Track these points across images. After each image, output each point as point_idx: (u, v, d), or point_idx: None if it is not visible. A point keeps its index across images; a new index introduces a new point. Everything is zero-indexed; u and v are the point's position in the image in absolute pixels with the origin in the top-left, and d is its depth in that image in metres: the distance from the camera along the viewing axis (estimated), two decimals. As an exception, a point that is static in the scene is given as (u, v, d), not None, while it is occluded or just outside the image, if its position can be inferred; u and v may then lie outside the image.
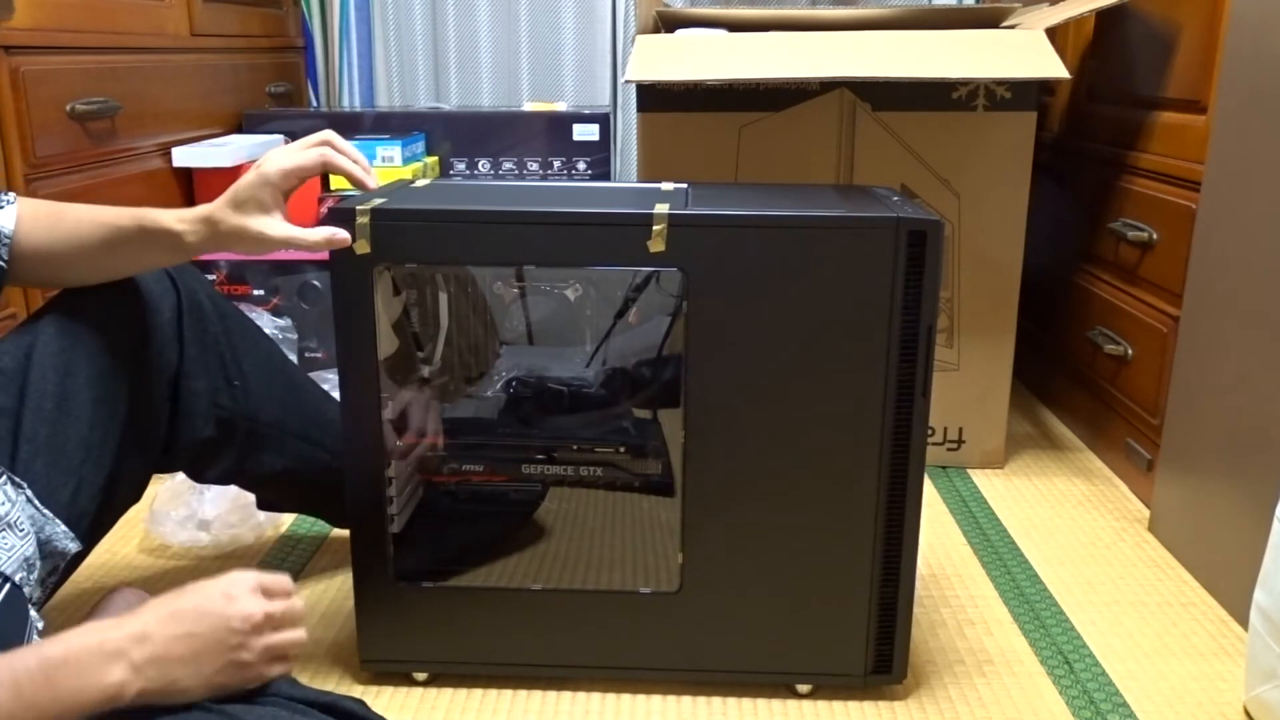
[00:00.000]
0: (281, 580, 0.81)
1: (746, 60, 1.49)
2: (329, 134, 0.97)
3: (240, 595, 0.77)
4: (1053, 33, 1.50)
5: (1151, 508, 1.45)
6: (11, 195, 0.97)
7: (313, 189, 1.94)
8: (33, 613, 0.84)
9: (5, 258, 0.94)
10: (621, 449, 1.10)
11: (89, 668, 0.70)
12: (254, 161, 0.99)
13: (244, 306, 1.83)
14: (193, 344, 1.08)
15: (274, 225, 0.93)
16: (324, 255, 1.80)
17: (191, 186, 1.91)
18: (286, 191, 0.95)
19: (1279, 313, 1.14)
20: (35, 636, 0.78)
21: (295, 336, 1.87)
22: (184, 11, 1.92)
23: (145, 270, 1.03)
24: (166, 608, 0.75)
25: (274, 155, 0.94)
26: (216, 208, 0.94)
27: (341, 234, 0.93)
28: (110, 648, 0.71)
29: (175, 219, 0.94)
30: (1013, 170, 1.54)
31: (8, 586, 0.81)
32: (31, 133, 1.45)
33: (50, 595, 1.14)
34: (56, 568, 0.95)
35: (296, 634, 0.80)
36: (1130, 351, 1.56)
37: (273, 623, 0.78)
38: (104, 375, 1.00)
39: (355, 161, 0.97)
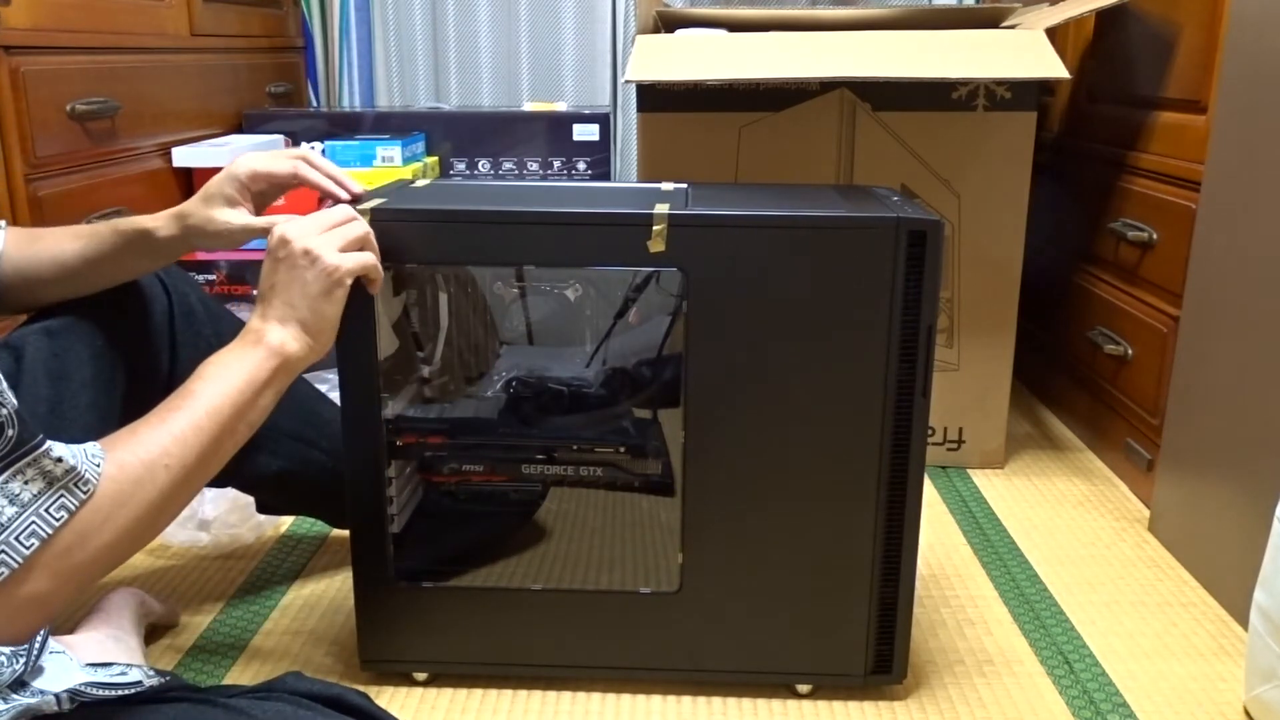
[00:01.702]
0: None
1: (746, 60, 1.49)
2: (305, 151, 1.01)
3: (279, 230, 0.86)
4: (1053, 33, 1.50)
5: (1151, 508, 1.45)
6: (1, 222, 0.98)
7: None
8: None
9: None
10: (621, 449, 1.10)
11: (243, 352, 0.80)
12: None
13: (243, 307, 1.83)
14: (185, 347, 1.08)
15: (240, 216, 0.96)
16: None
17: (191, 186, 1.91)
18: (256, 192, 0.97)
19: (1279, 313, 1.14)
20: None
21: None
22: (184, 11, 1.92)
23: (126, 279, 1.03)
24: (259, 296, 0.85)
25: (247, 156, 0.98)
26: (187, 203, 0.97)
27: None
28: (250, 333, 0.82)
29: (148, 218, 0.96)
30: (1013, 170, 1.54)
31: None
32: (31, 133, 1.45)
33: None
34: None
35: (354, 227, 0.88)
36: (1130, 351, 1.56)
37: (317, 227, 0.86)
38: (97, 379, 1.00)
39: (330, 177, 0.99)
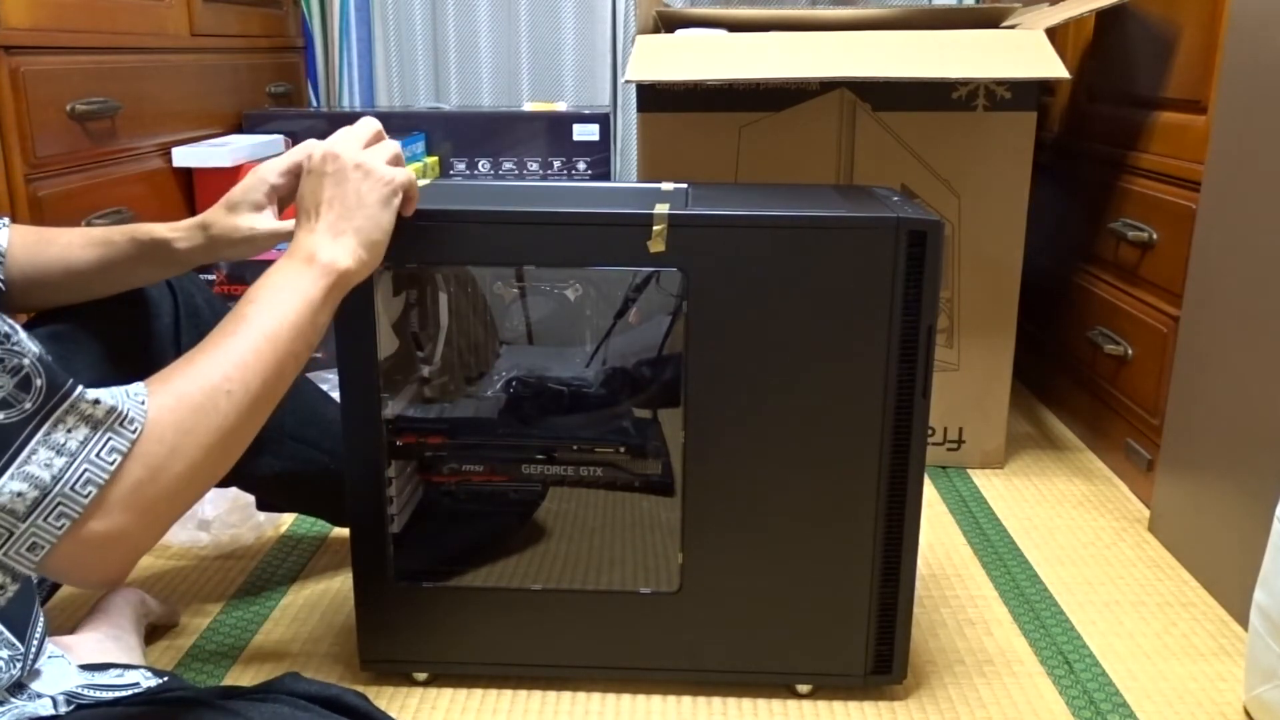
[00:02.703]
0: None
1: (746, 60, 1.49)
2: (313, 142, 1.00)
3: (320, 146, 0.85)
4: (1053, 33, 1.50)
5: (1151, 508, 1.45)
6: (5, 219, 0.97)
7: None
8: (37, 606, 0.84)
9: (1, 277, 0.95)
10: (621, 449, 1.10)
11: (294, 270, 0.78)
12: (254, 162, 1.00)
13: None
14: (191, 348, 1.08)
15: (266, 220, 0.94)
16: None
17: (191, 186, 1.91)
18: (283, 195, 0.96)
19: (1279, 313, 1.14)
20: (40, 629, 0.78)
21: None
22: (184, 11, 1.92)
23: (138, 286, 1.02)
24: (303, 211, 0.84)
25: (268, 162, 0.96)
26: (209, 212, 0.95)
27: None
28: (300, 249, 0.80)
29: (167, 228, 0.95)
30: (1013, 170, 1.54)
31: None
32: (31, 133, 1.45)
33: (50, 595, 1.14)
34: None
35: (390, 142, 0.87)
36: (1130, 351, 1.56)
37: (359, 140, 0.85)
38: (103, 380, 1.00)
39: None
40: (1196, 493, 1.31)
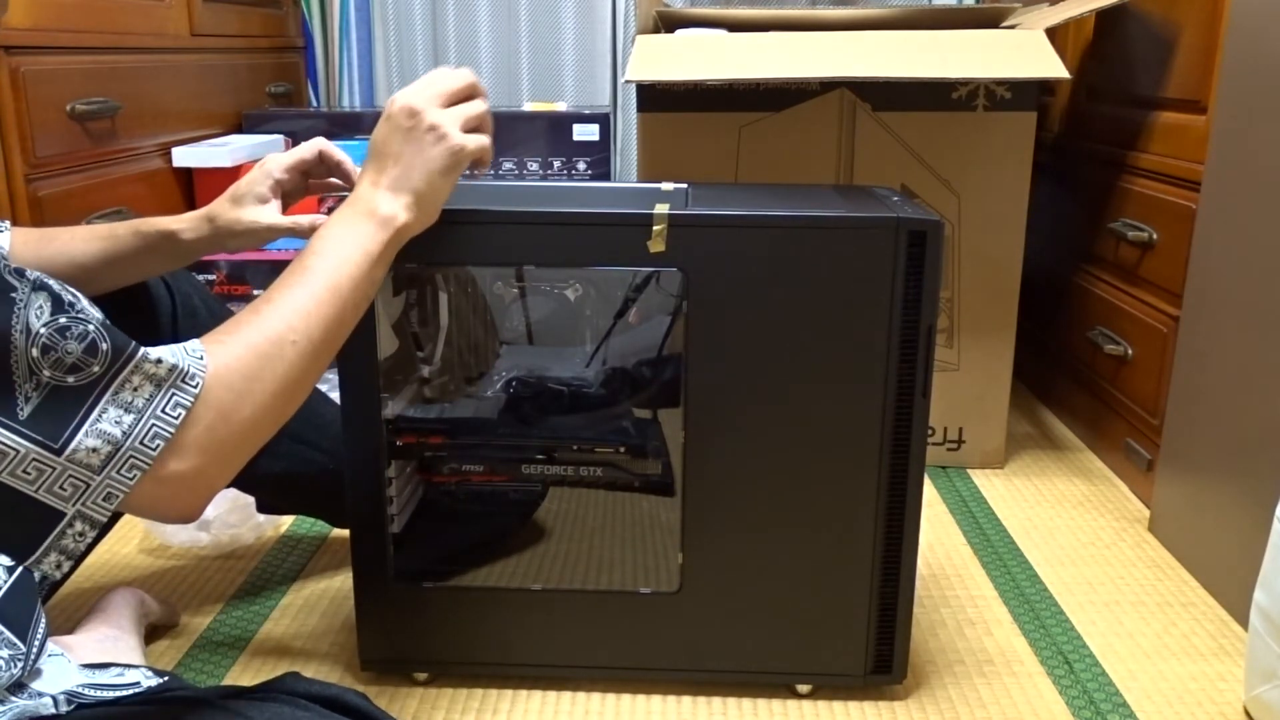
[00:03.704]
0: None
1: (746, 60, 1.49)
2: (320, 141, 1.02)
3: (402, 95, 0.84)
4: (1053, 33, 1.50)
5: (1151, 508, 1.45)
6: (5, 223, 0.98)
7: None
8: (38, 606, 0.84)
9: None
10: (621, 449, 1.10)
11: (353, 222, 0.79)
12: (254, 161, 1.00)
13: (244, 307, 1.83)
14: None
15: (269, 214, 0.96)
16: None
17: (191, 186, 1.91)
18: (287, 190, 0.96)
19: (1279, 313, 1.14)
20: (41, 628, 0.78)
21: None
22: (184, 11, 1.92)
23: (142, 279, 1.03)
24: (370, 158, 0.84)
25: (274, 156, 0.97)
26: (215, 204, 0.96)
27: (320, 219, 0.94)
28: (358, 200, 0.80)
29: (172, 220, 0.96)
30: (1013, 170, 1.54)
31: (19, 570, 0.80)
32: (31, 133, 1.45)
33: (50, 594, 1.14)
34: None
35: (478, 104, 0.85)
36: (1130, 351, 1.56)
37: (441, 97, 0.83)
38: None
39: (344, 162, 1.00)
40: (1196, 493, 1.31)
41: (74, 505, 0.60)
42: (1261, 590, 1.00)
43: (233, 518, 1.36)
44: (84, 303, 0.60)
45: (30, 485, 0.58)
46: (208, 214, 0.95)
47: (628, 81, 1.47)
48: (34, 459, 0.57)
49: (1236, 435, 1.21)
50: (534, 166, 2.18)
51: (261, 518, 1.38)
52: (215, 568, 1.33)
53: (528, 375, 1.17)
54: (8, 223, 0.98)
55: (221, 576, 1.31)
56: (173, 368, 0.62)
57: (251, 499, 1.27)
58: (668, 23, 1.79)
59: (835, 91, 1.53)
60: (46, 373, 0.57)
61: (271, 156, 0.97)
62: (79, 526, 0.60)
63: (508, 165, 2.18)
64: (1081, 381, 1.77)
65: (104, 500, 0.60)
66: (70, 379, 0.58)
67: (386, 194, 0.81)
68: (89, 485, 0.59)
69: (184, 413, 0.62)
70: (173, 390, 0.61)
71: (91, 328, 0.59)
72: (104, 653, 1.03)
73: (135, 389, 0.60)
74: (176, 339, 1.07)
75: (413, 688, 1.08)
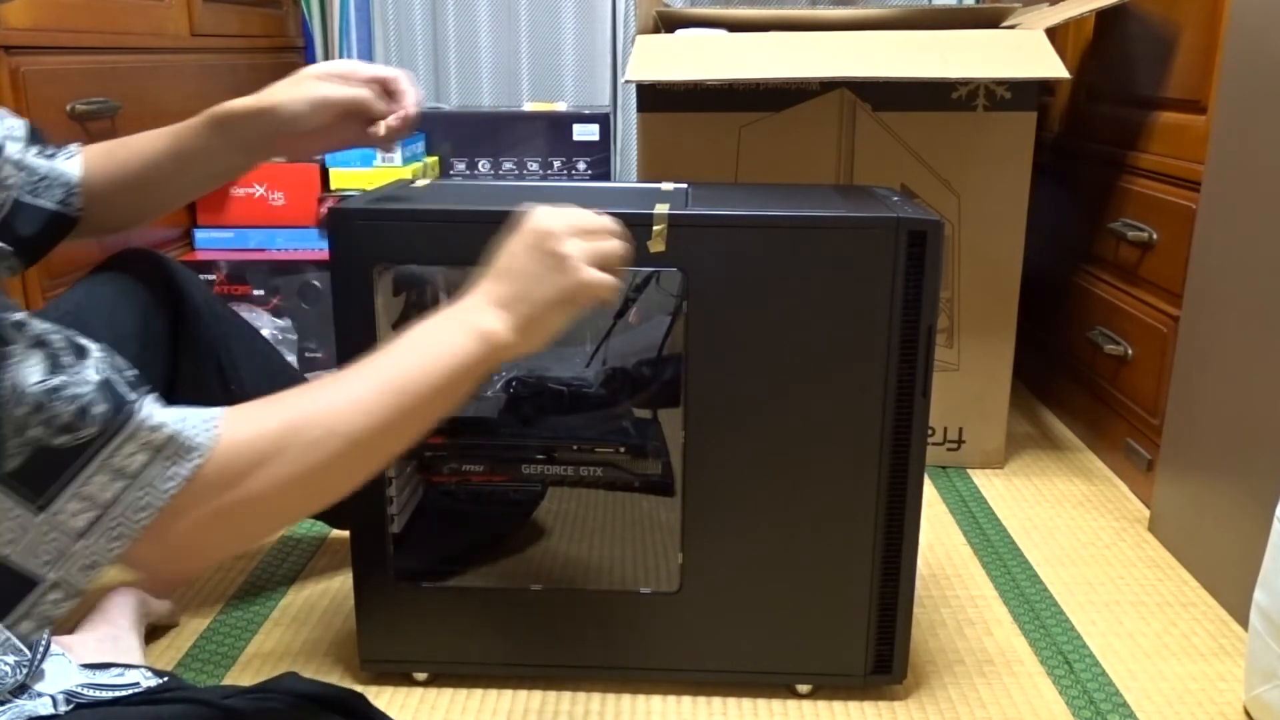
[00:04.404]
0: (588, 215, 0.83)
1: (746, 60, 1.49)
2: (384, 71, 1.00)
3: (540, 215, 0.80)
4: (1053, 33, 1.50)
5: (1151, 508, 1.45)
6: (75, 146, 0.98)
7: (312, 187, 1.94)
8: None
9: (78, 205, 0.96)
10: (621, 449, 1.10)
11: (450, 328, 0.74)
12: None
13: (244, 307, 1.84)
14: (188, 349, 1.08)
15: (331, 89, 0.96)
16: (325, 254, 1.80)
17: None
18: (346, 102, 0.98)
19: (1279, 313, 1.14)
20: (46, 633, 0.78)
21: (295, 337, 1.87)
22: (184, 11, 1.92)
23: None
24: (490, 268, 0.80)
25: (322, 78, 0.97)
26: (277, 88, 0.97)
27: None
28: (462, 308, 0.76)
29: (253, 98, 0.96)
30: (1013, 170, 1.54)
31: None
32: (31, 133, 1.44)
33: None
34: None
35: (613, 244, 0.81)
36: (1130, 351, 1.56)
37: (577, 230, 0.80)
38: None
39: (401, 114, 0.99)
40: (1196, 493, 1.31)
41: (53, 572, 0.57)
42: (1261, 590, 1.00)
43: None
44: (88, 362, 0.58)
45: (7, 546, 0.56)
46: (265, 91, 0.95)
47: (628, 81, 1.47)
48: (15, 517, 0.55)
49: (1236, 435, 1.21)
50: (534, 166, 2.18)
51: (261, 518, 1.38)
52: (215, 568, 1.33)
53: (528, 375, 1.17)
54: (76, 146, 0.98)
55: (221, 576, 1.31)
56: (171, 436, 0.59)
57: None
58: (668, 23, 1.79)
59: (835, 91, 1.53)
60: (35, 431, 0.54)
61: (320, 76, 0.97)
62: (56, 595, 0.57)
63: (508, 165, 2.18)
64: (1081, 381, 1.77)
65: (85, 569, 0.58)
66: (59, 440, 0.55)
67: (495, 310, 0.76)
68: (68, 553, 0.57)
69: (180, 483, 0.58)
70: (169, 461, 0.58)
71: (87, 390, 0.57)
72: (104, 652, 1.03)
73: (130, 455, 0.57)
74: (176, 342, 1.08)
75: (413, 688, 1.08)
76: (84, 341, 0.60)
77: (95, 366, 0.59)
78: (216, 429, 0.61)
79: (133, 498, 0.58)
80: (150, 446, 0.58)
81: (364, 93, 0.97)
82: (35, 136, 0.96)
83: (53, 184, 0.95)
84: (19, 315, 0.57)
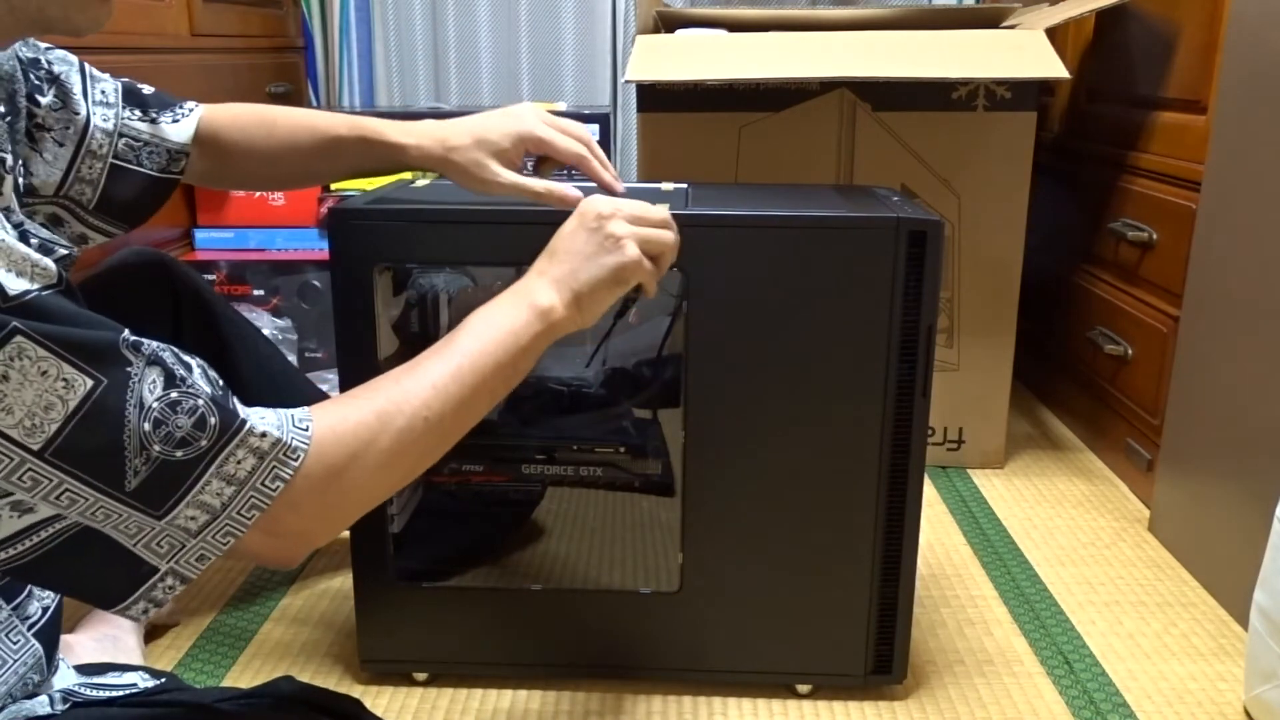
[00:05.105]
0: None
1: (746, 60, 1.49)
2: (588, 134, 0.98)
3: (594, 199, 0.84)
4: (1053, 33, 1.50)
5: (1151, 508, 1.45)
6: (191, 104, 0.99)
7: (312, 188, 1.94)
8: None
9: (176, 171, 0.97)
10: (621, 449, 1.10)
11: (509, 307, 0.78)
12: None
13: (244, 307, 1.83)
14: (192, 350, 1.08)
15: (505, 173, 0.94)
16: (325, 254, 1.80)
17: (191, 187, 1.91)
18: (514, 158, 0.96)
19: (1279, 313, 1.13)
20: (58, 648, 0.78)
21: (295, 337, 1.87)
22: (184, 11, 1.92)
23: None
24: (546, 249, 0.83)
25: (534, 118, 0.96)
26: (452, 131, 0.95)
27: (573, 193, 0.92)
28: (520, 287, 0.80)
29: (401, 133, 0.96)
30: (1013, 170, 1.54)
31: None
32: (31, 133, 1.44)
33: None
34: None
35: (663, 233, 0.84)
36: (1130, 351, 1.56)
37: (628, 215, 0.83)
38: None
39: (605, 168, 0.98)
40: (1196, 493, 1.31)
41: (167, 563, 0.61)
42: (1261, 590, 1.00)
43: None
44: (195, 375, 0.61)
45: (130, 539, 0.59)
46: (444, 142, 0.94)
47: (628, 81, 1.47)
48: (135, 520, 0.59)
49: (1236, 435, 1.21)
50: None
51: (261, 518, 1.38)
52: (215, 568, 1.33)
53: (528, 375, 1.17)
54: (192, 104, 0.99)
55: (221, 576, 1.31)
56: (276, 442, 0.62)
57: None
58: (668, 23, 1.79)
59: (835, 91, 1.53)
60: (156, 448, 0.58)
61: (532, 117, 0.96)
62: (170, 581, 0.62)
63: (508, 165, 2.18)
64: (1081, 381, 1.77)
65: (197, 560, 0.62)
66: (178, 453, 0.59)
67: (549, 287, 0.81)
68: (184, 546, 0.61)
69: (282, 485, 0.63)
70: (274, 464, 0.62)
71: (201, 402, 0.60)
72: (103, 651, 1.04)
73: (239, 462, 0.61)
74: (178, 342, 1.08)
75: (413, 688, 1.08)
76: (186, 356, 0.63)
77: (202, 378, 0.62)
78: (309, 429, 0.65)
79: (243, 500, 0.62)
80: (257, 453, 0.62)
81: (541, 188, 0.94)
82: (133, 96, 0.95)
83: (156, 150, 0.95)
84: (131, 335, 0.59)
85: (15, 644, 0.71)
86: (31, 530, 0.58)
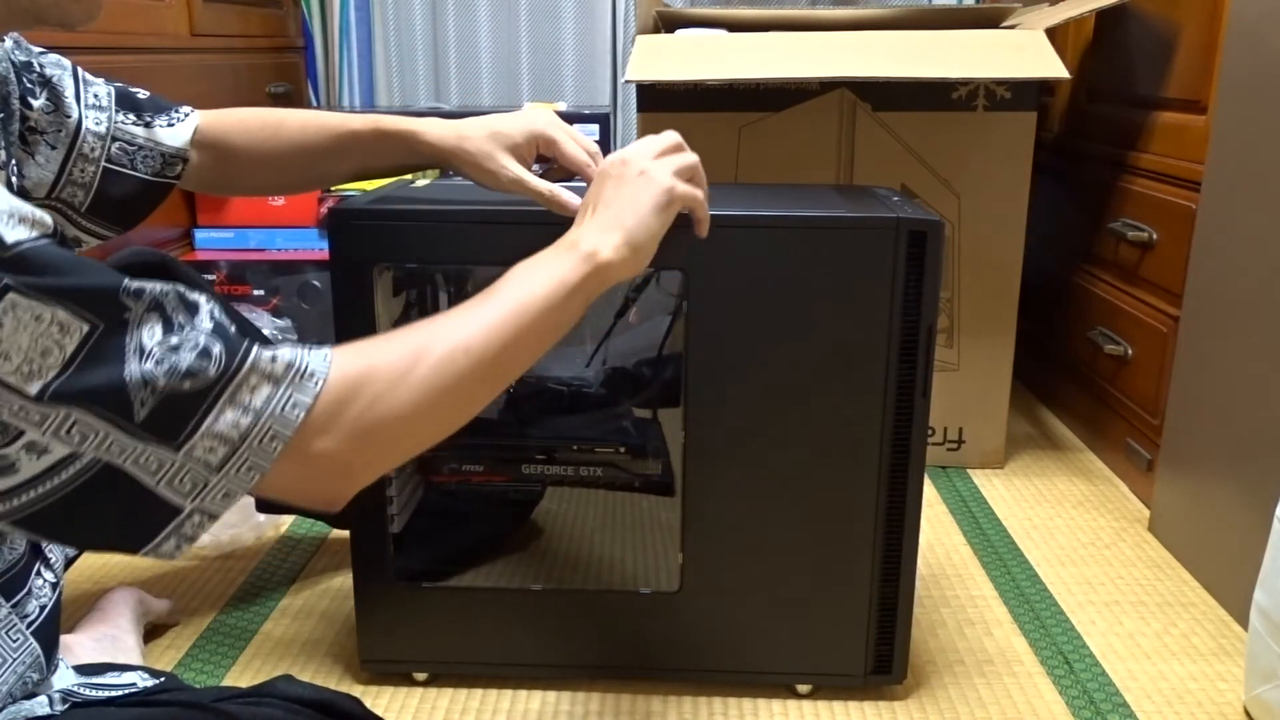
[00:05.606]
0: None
1: (746, 60, 1.49)
2: (597, 151, 0.98)
3: (612, 155, 0.85)
4: (1053, 33, 1.50)
5: (1151, 508, 1.45)
6: (186, 110, 0.98)
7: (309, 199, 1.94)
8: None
9: (175, 173, 0.97)
10: (621, 449, 1.10)
11: (551, 254, 0.78)
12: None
13: (244, 307, 1.83)
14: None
15: (513, 166, 0.94)
16: (325, 254, 1.80)
17: (191, 186, 1.91)
18: (526, 156, 0.96)
19: (1279, 313, 1.14)
20: (57, 647, 0.78)
21: (295, 337, 1.87)
22: (184, 11, 1.92)
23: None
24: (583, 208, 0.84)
25: (549, 118, 0.96)
26: (469, 125, 0.95)
27: (575, 200, 0.91)
28: (564, 240, 0.79)
29: (414, 122, 0.95)
30: (1013, 170, 1.54)
31: (59, 589, 0.81)
32: (31, 133, 1.44)
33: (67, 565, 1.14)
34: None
35: (688, 155, 0.87)
36: (1130, 351, 1.56)
37: (651, 152, 0.84)
38: None
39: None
40: (1196, 493, 1.31)
41: (191, 502, 0.60)
42: (1261, 590, 1.00)
43: (233, 517, 1.36)
44: (200, 313, 0.60)
45: (151, 476, 0.58)
46: (459, 132, 0.94)
47: (628, 81, 1.47)
48: (153, 454, 0.58)
49: (1236, 435, 1.21)
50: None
51: (261, 517, 1.38)
52: (215, 568, 1.33)
53: (527, 375, 1.17)
54: (188, 110, 0.98)
55: (221, 576, 1.31)
56: (289, 364, 0.61)
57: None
58: (668, 23, 1.79)
59: (835, 91, 1.53)
60: (161, 380, 0.57)
61: (546, 120, 0.96)
62: (197, 519, 0.61)
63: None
64: (1081, 381, 1.77)
65: (223, 498, 0.61)
66: (186, 384, 0.58)
67: (591, 231, 0.80)
68: (208, 484, 0.60)
69: (303, 413, 0.61)
70: (291, 389, 0.61)
71: (203, 337, 0.59)
72: (102, 651, 1.04)
73: (253, 389, 0.60)
74: None
75: (413, 688, 1.08)
76: (193, 296, 0.61)
77: (208, 315, 0.61)
78: (330, 356, 0.64)
79: (262, 430, 0.60)
80: (270, 377, 0.60)
81: (545, 189, 0.94)
82: (127, 100, 0.95)
83: (150, 154, 0.95)
84: (133, 283, 0.58)
85: (14, 643, 0.71)
86: (51, 472, 0.57)
